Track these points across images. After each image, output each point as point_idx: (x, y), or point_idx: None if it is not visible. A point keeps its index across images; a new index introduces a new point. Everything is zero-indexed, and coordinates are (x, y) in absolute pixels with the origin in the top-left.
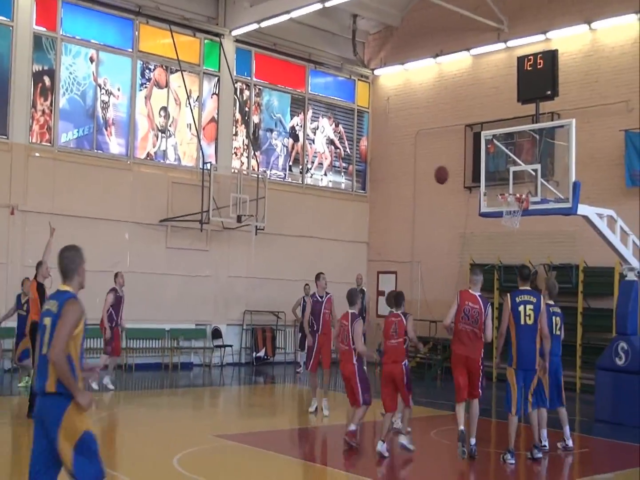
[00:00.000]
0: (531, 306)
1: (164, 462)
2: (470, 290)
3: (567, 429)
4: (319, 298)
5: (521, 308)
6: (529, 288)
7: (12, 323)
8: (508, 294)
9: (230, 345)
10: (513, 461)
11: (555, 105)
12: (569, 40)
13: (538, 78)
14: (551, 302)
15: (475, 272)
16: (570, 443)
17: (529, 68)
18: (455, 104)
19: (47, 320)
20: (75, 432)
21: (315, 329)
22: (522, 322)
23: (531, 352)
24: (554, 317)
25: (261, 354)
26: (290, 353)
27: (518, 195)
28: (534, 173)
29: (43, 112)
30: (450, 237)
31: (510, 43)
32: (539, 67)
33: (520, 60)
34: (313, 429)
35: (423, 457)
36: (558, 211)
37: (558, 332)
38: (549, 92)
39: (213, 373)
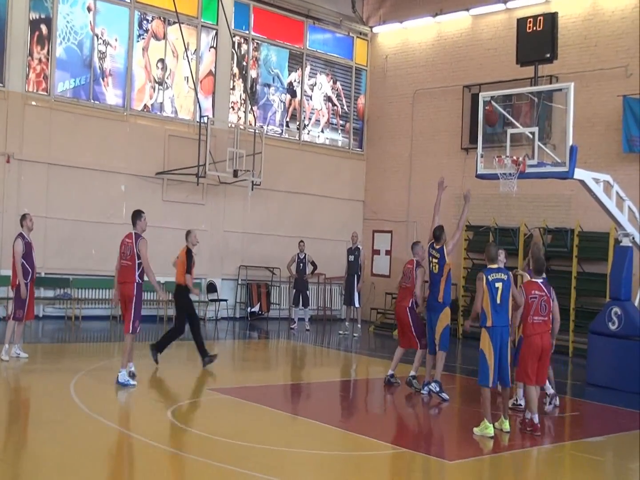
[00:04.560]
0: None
1: (158, 414)
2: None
3: (521, 390)
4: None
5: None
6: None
7: None
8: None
9: (225, 300)
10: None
11: (554, 69)
12: (569, 3)
13: (538, 40)
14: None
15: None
16: (523, 403)
17: (529, 30)
18: (454, 64)
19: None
20: None
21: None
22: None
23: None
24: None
25: (256, 309)
26: (284, 309)
27: (515, 157)
28: (531, 136)
29: (40, 60)
30: (446, 197)
31: (510, 4)
32: (538, 29)
33: (521, 21)
34: (306, 384)
35: (412, 412)
36: (555, 175)
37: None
38: (548, 55)
39: (207, 327)
